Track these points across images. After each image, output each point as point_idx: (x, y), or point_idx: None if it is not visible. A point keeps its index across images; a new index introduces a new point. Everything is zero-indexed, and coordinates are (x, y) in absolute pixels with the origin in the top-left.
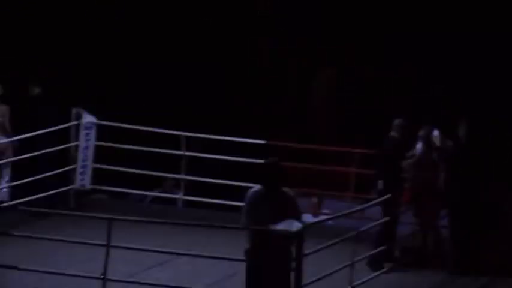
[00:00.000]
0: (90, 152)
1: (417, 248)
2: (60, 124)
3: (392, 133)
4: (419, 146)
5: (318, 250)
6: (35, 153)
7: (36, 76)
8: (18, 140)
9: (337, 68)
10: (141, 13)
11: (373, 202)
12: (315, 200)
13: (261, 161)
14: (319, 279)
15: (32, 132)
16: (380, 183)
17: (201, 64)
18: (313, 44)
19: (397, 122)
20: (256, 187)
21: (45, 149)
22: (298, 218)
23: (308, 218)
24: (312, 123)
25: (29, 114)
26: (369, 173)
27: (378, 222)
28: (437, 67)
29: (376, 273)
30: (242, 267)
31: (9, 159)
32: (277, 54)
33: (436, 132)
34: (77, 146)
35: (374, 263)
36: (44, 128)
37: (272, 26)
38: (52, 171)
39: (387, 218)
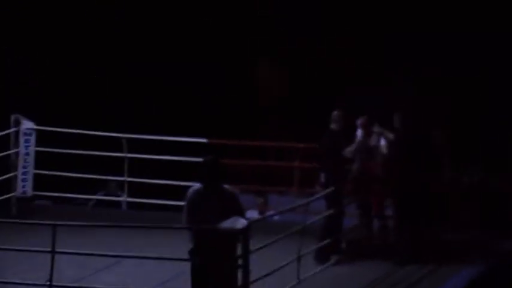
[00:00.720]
0: (31, 158)
1: (362, 239)
2: None
3: (332, 125)
4: (359, 133)
5: (265, 246)
6: None
7: None
8: None
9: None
10: (74, 12)
11: (317, 196)
12: (260, 198)
13: (201, 159)
14: (266, 275)
15: None
16: (322, 176)
17: (139, 63)
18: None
19: (335, 113)
20: (196, 185)
21: None
22: (241, 215)
23: (253, 214)
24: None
25: None
26: (312, 167)
27: (322, 215)
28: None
29: (323, 266)
30: (188, 267)
31: None
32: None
33: (376, 127)
34: (16, 153)
35: (320, 256)
36: None
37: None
38: None
39: (331, 211)
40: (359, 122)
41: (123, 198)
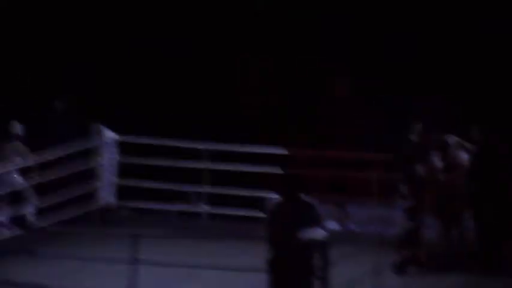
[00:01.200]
0: (114, 169)
1: (442, 251)
2: (81, 140)
3: (412, 137)
4: (455, 151)
5: (344, 258)
6: (61, 173)
7: (61, 93)
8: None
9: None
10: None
11: (397, 207)
12: (340, 209)
13: (280, 171)
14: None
15: (51, 149)
16: (403, 188)
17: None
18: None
19: (418, 126)
20: (277, 198)
21: (71, 167)
22: (321, 226)
23: (333, 225)
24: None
25: (49, 132)
26: (391, 178)
27: (402, 226)
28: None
29: (401, 279)
30: (266, 278)
31: (35, 180)
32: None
33: (451, 138)
34: (100, 164)
35: (399, 268)
36: (64, 146)
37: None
38: (78, 189)
39: (411, 223)
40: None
41: (204, 209)
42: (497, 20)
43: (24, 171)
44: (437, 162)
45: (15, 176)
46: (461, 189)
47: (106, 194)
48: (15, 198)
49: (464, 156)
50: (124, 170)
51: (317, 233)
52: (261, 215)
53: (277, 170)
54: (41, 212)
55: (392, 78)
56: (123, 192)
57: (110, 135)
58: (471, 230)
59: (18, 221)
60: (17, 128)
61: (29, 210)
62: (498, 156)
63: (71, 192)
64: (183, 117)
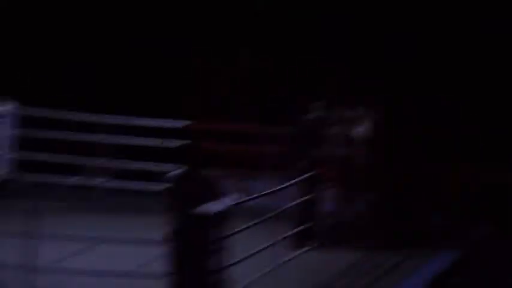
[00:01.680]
0: (12, 141)
1: (337, 225)
2: None
3: (309, 115)
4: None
5: (240, 231)
6: None
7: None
8: None
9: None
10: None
11: (294, 181)
12: (241, 182)
13: (180, 143)
14: (241, 260)
15: None
16: (302, 163)
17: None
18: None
19: (316, 104)
20: (177, 170)
21: None
22: (219, 199)
23: (232, 199)
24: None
25: None
26: (286, 152)
27: (299, 200)
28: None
29: (297, 252)
30: (165, 250)
31: None
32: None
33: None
34: None
35: (296, 242)
36: None
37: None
38: None
39: (308, 196)
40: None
41: (100, 182)
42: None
43: None
44: (336, 137)
45: None
46: (360, 162)
47: (3, 166)
48: None
49: (361, 129)
50: (22, 143)
51: (215, 206)
52: (159, 188)
53: (178, 143)
54: None
55: None
56: (20, 165)
57: (9, 107)
58: (370, 204)
59: None
60: None
61: None
62: (398, 129)
63: None
64: (84, 89)
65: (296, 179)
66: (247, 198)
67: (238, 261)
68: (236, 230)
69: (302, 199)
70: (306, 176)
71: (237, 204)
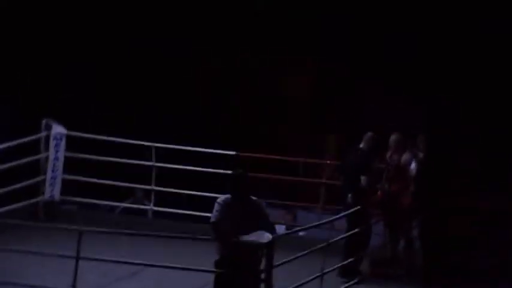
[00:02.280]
0: (60, 163)
1: (388, 259)
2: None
3: (362, 145)
4: (407, 157)
5: (288, 261)
6: (4, 166)
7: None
8: None
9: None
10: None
11: (343, 214)
12: (288, 213)
13: (230, 171)
14: None
15: None
16: (349, 197)
17: (168, 75)
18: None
19: (368, 135)
20: (224, 197)
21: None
22: (268, 229)
23: (281, 229)
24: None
25: None
26: (338, 184)
27: (348, 233)
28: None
29: (346, 285)
30: (212, 278)
31: None
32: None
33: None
34: (46, 157)
35: (344, 273)
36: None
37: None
38: (21, 183)
39: (357, 230)
40: (392, 138)
41: (150, 207)
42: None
43: None
44: (388, 169)
45: None
46: (407, 198)
47: (51, 187)
48: None
49: (407, 158)
50: (71, 165)
51: (263, 236)
52: (208, 214)
53: (227, 171)
54: None
55: None
56: (68, 187)
57: (58, 129)
58: (417, 240)
59: None
60: None
61: None
62: (446, 166)
63: (16, 185)
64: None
65: (345, 212)
66: (296, 228)
67: None
68: (284, 260)
69: (351, 232)
70: (355, 208)
71: (286, 234)
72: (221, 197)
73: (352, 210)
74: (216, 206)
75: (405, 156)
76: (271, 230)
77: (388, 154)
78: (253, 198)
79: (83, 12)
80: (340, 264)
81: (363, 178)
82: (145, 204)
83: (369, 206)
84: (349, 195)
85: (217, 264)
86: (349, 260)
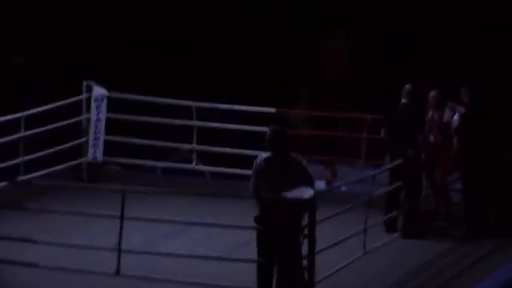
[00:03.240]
0: (102, 124)
1: (430, 211)
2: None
3: (403, 100)
4: (448, 113)
5: (331, 217)
6: (46, 128)
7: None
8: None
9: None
10: None
11: (385, 167)
12: (328, 169)
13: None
14: (332, 246)
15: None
16: (410, 151)
17: (206, 33)
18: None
19: (407, 87)
20: (264, 154)
21: (58, 122)
22: (309, 184)
23: (321, 185)
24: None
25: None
26: (380, 139)
27: (390, 187)
28: None
29: (389, 238)
30: (254, 235)
31: (20, 135)
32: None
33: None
34: (88, 119)
35: (385, 229)
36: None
37: None
38: (64, 144)
39: (399, 183)
40: (431, 95)
41: (192, 166)
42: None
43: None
44: (431, 123)
45: None
46: (450, 150)
47: (93, 149)
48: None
49: (448, 115)
50: (113, 126)
51: (304, 192)
52: (248, 172)
53: (266, 128)
54: (27, 166)
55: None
56: (110, 148)
57: (99, 91)
58: (459, 192)
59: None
60: None
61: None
62: (488, 118)
63: (58, 147)
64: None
65: (388, 165)
66: (337, 184)
67: (329, 247)
68: (326, 216)
69: (393, 186)
70: (400, 162)
71: (327, 189)
72: (259, 156)
73: (397, 162)
74: (253, 170)
75: (446, 114)
76: (312, 186)
77: (429, 113)
78: (293, 154)
79: None
80: (382, 219)
81: (419, 137)
82: (191, 159)
83: (416, 159)
84: (409, 149)
85: (257, 221)
86: (391, 214)
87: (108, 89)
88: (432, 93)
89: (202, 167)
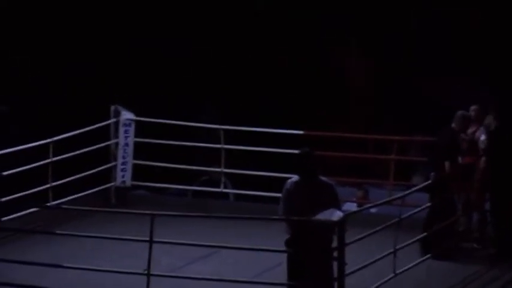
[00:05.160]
0: (130, 149)
1: (461, 232)
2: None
3: (453, 125)
4: (480, 130)
5: (360, 239)
6: (76, 153)
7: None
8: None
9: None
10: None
11: (417, 187)
12: (359, 190)
13: (298, 151)
14: (362, 268)
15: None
16: (432, 175)
17: (234, 56)
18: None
19: (459, 113)
20: (294, 177)
21: (87, 146)
22: (337, 207)
23: (352, 207)
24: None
25: None
26: (408, 160)
27: (421, 208)
28: None
29: (419, 260)
30: (284, 258)
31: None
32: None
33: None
34: (116, 143)
35: (418, 250)
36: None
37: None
38: (92, 169)
39: (432, 204)
40: (472, 109)
41: (220, 189)
42: None
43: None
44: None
45: None
46: (479, 171)
47: (122, 173)
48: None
49: (480, 132)
50: (141, 150)
51: (334, 214)
52: (278, 195)
53: (294, 151)
54: (56, 192)
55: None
56: (139, 172)
57: (127, 115)
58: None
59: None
60: None
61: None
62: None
63: (87, 171)
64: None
65: (419, 186)
66: (368, 205)
67: (359, 269)
68: (357, 237)
69: (425, 206)
70: (431, 183)
71: (357, 211)
72: (289, 181)
73: (429, 183)
74: (283, 194)
75: (479, 131)
76: (340, 208)
77: (471, 128)
78: (323, 178)
79: None
80: (414, 240)
81: (446, 163)
82: (220, 181)
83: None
84: (432, 174)
85: (287, 243)
86: (424, 235)
87: (136, 113)
88: (473, 107)
89: (230, 190)
